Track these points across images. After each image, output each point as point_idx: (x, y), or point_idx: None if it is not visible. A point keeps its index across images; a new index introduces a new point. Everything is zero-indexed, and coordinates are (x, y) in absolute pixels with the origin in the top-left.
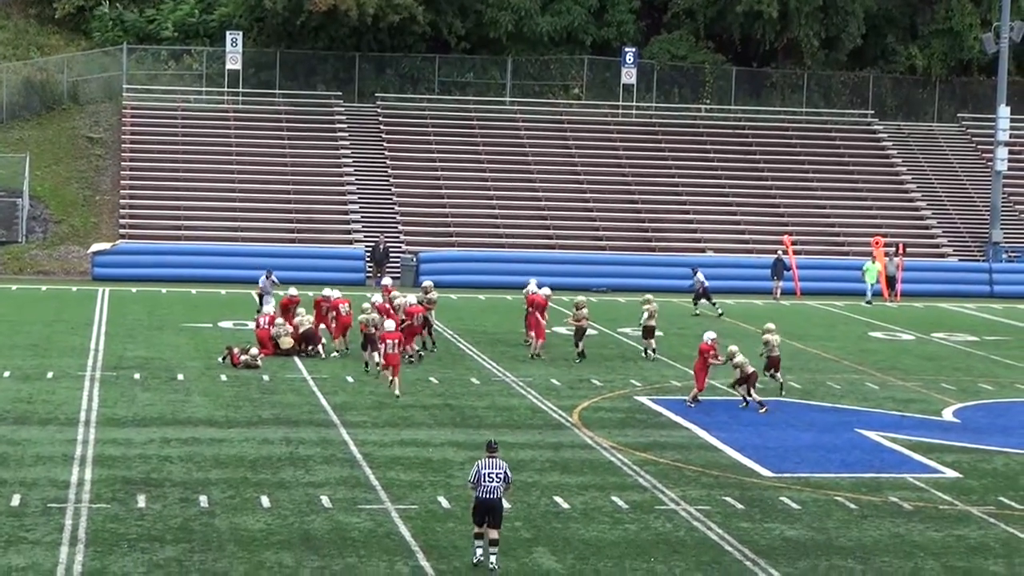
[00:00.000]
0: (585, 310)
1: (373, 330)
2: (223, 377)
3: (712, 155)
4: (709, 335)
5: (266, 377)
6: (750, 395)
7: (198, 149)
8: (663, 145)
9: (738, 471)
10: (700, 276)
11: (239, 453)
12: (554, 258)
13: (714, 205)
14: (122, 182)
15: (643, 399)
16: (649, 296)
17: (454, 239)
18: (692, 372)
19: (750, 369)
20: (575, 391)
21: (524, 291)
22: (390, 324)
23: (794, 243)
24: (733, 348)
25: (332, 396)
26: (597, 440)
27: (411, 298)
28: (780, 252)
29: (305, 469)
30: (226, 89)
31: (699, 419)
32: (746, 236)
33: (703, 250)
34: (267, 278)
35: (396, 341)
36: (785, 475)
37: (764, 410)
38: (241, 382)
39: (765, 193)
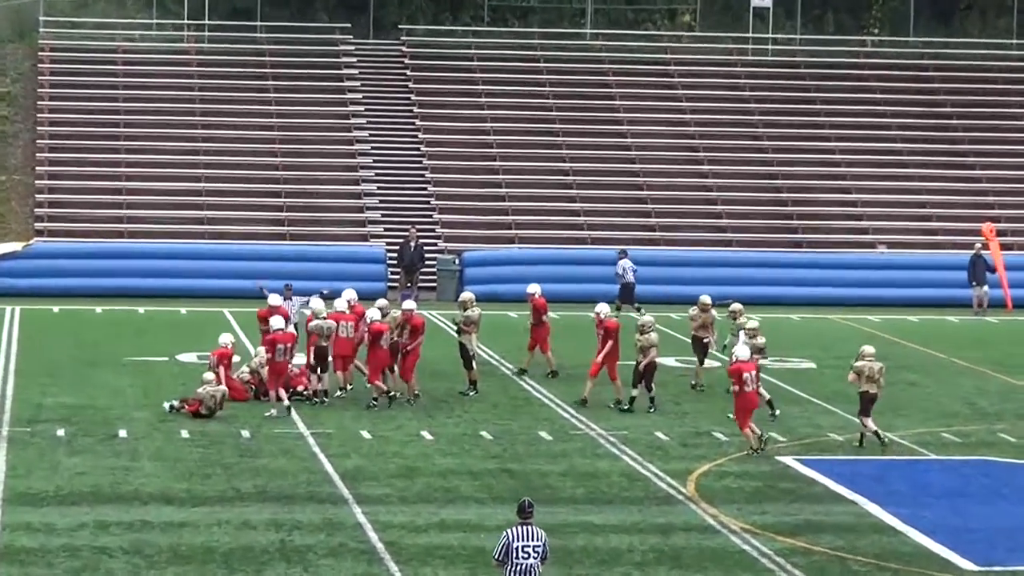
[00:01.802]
0: (653, 334)
1: (324, 343)
2: (184, 433)
3: (883, 109)
4: (743, 352)
5: (246, 433)
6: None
7: (146, 108)
8: (812, 95)
9: (927, 563)
10: (627, 264)
11: (207, 543)
12: (656, 258)
13: (886, 180)
14: (38, 155)
15: (788, 460)
16: (706, 301)
17: (512, 231)
18: (852, 419)
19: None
20: (689, 449)
21: (597, 313)
22: (277, 321)
23: (1000, 233)
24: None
25: (341, 459)
26: (723, 520)
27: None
28: (979, 247)
29: (303, 565)
30: (186, 21)
31: (868, 488)
32: (933, 225)
33: (872, 244)
34: (287, 297)
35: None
36: (995, 568)
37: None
38: (210, 440)
39: (959, 162)
